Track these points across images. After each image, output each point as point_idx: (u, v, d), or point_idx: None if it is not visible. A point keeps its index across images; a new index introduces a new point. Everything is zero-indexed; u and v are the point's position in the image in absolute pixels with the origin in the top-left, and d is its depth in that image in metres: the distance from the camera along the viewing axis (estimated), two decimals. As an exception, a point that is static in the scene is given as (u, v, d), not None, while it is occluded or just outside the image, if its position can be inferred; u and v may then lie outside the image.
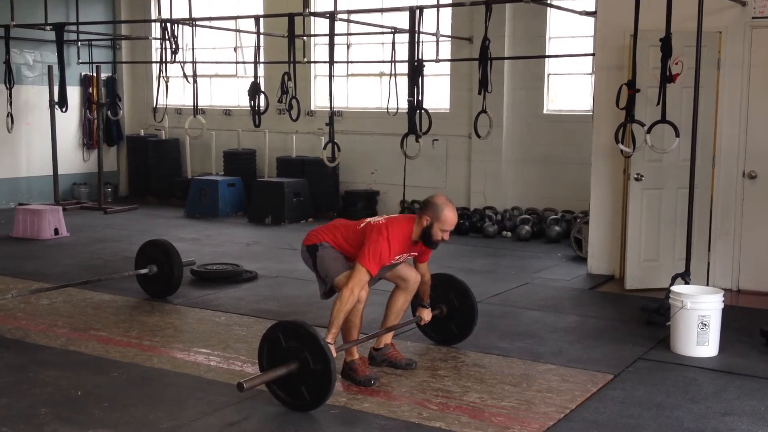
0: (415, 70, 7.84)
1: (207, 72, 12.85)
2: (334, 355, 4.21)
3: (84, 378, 4.73)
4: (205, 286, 7.10)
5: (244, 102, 11.30)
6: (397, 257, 4.68)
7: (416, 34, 7.90)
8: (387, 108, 9.40)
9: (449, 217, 4.62)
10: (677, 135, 6.00)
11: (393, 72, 9.34)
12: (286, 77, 8.58)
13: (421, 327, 5.43)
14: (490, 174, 10.79)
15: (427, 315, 5.17)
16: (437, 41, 9.68)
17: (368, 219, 4.82)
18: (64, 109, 10.21)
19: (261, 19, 8.98)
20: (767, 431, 4.09)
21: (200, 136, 9.69)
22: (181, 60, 9.37)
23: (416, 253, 4.85)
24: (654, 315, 5.92)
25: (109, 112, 12.59)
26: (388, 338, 5.01)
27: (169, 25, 9.06)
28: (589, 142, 7.84)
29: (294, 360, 4.17)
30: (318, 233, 4.83)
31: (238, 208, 11.80)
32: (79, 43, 12.68)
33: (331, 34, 8.20)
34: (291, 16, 8.43)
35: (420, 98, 7.94)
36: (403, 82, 8.93)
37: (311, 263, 4.82)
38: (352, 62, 11.81)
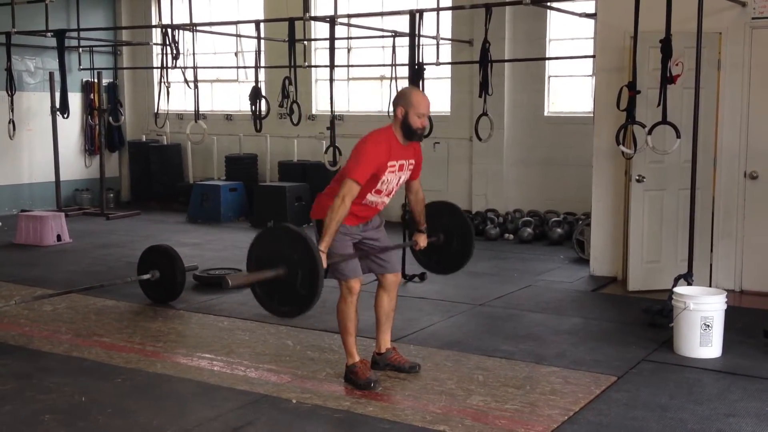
0: (416, 74, 7.85)
1: (208, 77, 12.86)
2: (325, 264, 4.18)
3: (87, 384, 4.73)
4: (208, 291, 7.10)
5: (245, 107, 11.31)
6: (392, 164, 4.53)
7: (416, 38, 7.91)
8: (388, 111, 9.42)
9: (420, 99, 4.58)
10: (678, 136, 6.00)
11: (394, 75, 9.36)
12: (287, 81, 8.59)
13: (417, 254, 5.30)
14: (491, 176, 10.79)
15: (422, 240, 5.05)
16: (437, 44, 9.70)
17: None
18: (65, 116, 10.24)
19: (261, 24, 9.00)
20: (771, 432, 4.09)
21: (202, 141, 9.69)
22: (182, 65, 9.39)
23: (413, 161, 4.70)
24: (657, 316, 5.91)
25: (110, 118, 12.63)
26: (389, 342, 5.00)
27: (169, 30, 9.09)
28: (590, 144, 7.84)
29: (279, 262, 4.13)
30: (326, 199, 4.67)
31: (240, 212, 11.80)
32: (80, 49, 12.70)
33: (332, 38, 8.21)
34: (291, 21, 8.44)
35: (421, 101, 7.93)
36: (404, 86, 8.95)
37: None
38: (352, 66, 11.83)
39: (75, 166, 13.18)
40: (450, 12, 10.46)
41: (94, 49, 12.95)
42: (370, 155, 4.45)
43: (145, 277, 6.67)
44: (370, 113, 11.68)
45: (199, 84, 9.43)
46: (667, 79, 5.97)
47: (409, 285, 7.21)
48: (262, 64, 9.26)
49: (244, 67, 12.67)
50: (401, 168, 4.65)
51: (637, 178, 6.93)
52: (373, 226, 4.82)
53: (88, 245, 9.60)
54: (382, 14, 10.25)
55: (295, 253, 4.13)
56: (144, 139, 13.63)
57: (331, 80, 8.13)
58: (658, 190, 6.98)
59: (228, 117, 13.03)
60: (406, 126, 4.57)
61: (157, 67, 11.02)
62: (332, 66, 8.12)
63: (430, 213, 5.12)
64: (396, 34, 9.44)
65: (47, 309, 6.49)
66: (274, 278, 4.15)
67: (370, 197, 4.61)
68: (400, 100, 4.61)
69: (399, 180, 4.69)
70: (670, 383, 4.75)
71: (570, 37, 10.31)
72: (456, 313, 6.39)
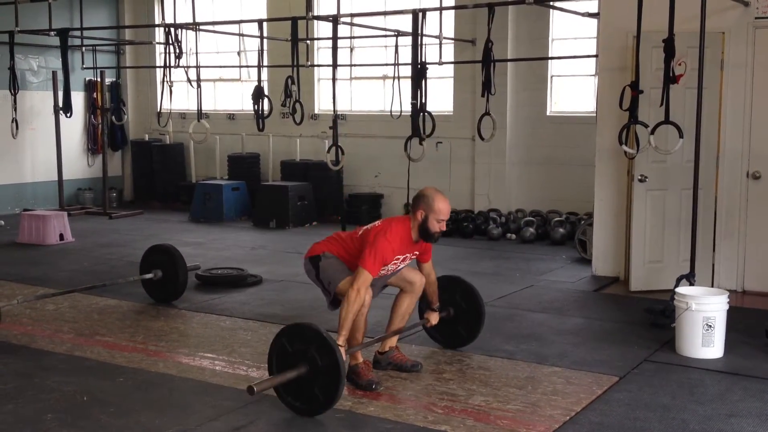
0: (419, 73, 7.85)
1: (211, 76, 12.88)
2: (345, 358, 4.21)
3: (89, 383, 4.74)
4: (210, 291, 7.11)
5: (247, 106, 11.31)
6: (397, 257, 4.67)
7: (419, 37, 7.91)
8: (390, 111, 9.43)
9: (442, 206, 4.64)
10: (681, 136, 5.99)
11: (396, 75, 9.36)
12: (289, 81, 8.59)
13: (428, 330, 5.42)
14: (493, 176, 10.79)
15: (434, 318, 5.16)
16: (440, 44, 9.70)
17: (365, 226, 4.83)
18: (68, 115, 10.24)
19: (264, 23, 8.99)
20: (773, 433, 4.09)
21: (204, 141, 9.67)
22: (184, 64, 9.38)
23: (418, 252, 4.83)
24: (659, 317, 5.91)
25: (113, 117, 12.63)
26: (393, 341, 5.01)
27: (172, 29, 9.08)
28: (592, 144, 7.84)
29: (302, 362, 4.16)
30: (319, 246, 4.87)
31: (243, 212, 11.81)
32: (83, 48, 12.71)
33: (335, 38, 8.21)
34: (294, 20, 8.44)
35: (423, 101, 7.93)
36: (407, 85, 8.94)
37: (314, 275, 4.84)
38: (355, 65, 11.83)
39: (78, 165, 13.20)
40: (453, 11, 10.45)
41: (97, 48, 12.97)
42: (386, 251, 4.55)
43: (148, 276, 6.68)
44: (372, 113, 11.68)
45: (202, 83, 9.41)
46: (669, 79, 5.96)
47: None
48: (265, 63, 9.26)
49: (247, 67, 12.69)
50: (404, 260, 4.77)
51: (639, 177, 6.93)
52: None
53: (90, 244, 9.61)
54: (384, 14, 10.26)
55: (321, 359, 4.13)
56: (147, 139, 13.64)
57: (334, 80, 8.12)
58: (661, 189, 6.98)
59: (231, 116, 13.04)
60: (424, 230, 4.67)
61: (160, 66, 11.04)
62: (335, 65, 8.12)
63: (443, 286, 5.23)
64: (399, 34, 9.43)
65: (50, 308, 6.50)
66: (297, 377, 4.17)
67: (378, 273, 4.65)
68: (422, 203, 4.65)
69: (398, 267, 4.79)
70: (672, 383, 4.75)
71: (573, 37, 10.30)
72: (458, 312, 6.38)
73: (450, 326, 5.37)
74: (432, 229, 4.64)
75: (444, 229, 4.70)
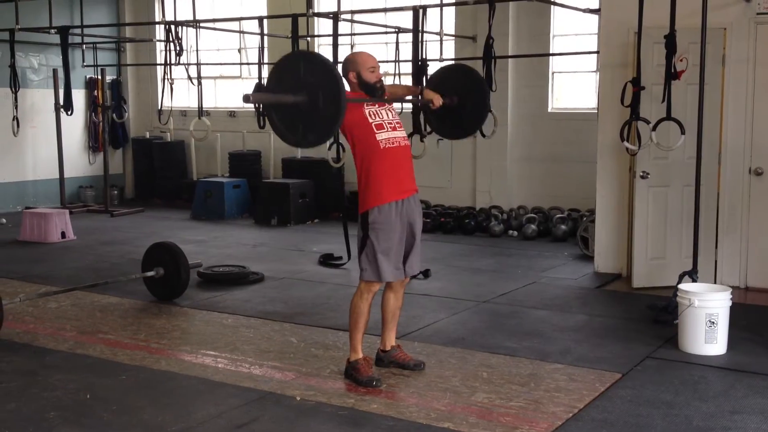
0: (419, 70, 7.84)
1: (211, 74, 12.87)
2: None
3: (92, 381, 4.74)
4: (212, 288, 7.11)
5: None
6: (367, 106, 4.59)
7: (420, 34, 7.90)
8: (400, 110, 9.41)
9: (363, 57, 4.75)
10: (683, 132, 5.98)
11: (397, 72, 9.35)
12: (290, 78, 8.57)
13: (431, 117, 5.26)
14: (495, 173, 10.78)
15: (436, 96, 5.02)
16: (441, 40, 9.68)
17: None
18: (69, 112, 10.24)
19: (264, 21, 8.99)
20: (776, 429, 4.09)
21: (205, 138, 9.70)
22: (185, 62, 9.39)
23: (391, 111, 4.74)
24: (661, 313, 5.91)
25: (114, 115, 12.65)
26: (393, 339, 5.00)
27: (173, 27, 9.08)
28: (594, 140, 7.83)
29: (304, 92, 4.09)
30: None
31: (244, 209, 11.81)
32: (84, 46, 12.71)
33: (335, 35, 8.20)
34: (294, 17, 8.43)
35: (424, 98, 7.92)
36: (407, 82, 8.94)
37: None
38: (356, 62, 11.80)
39: (79, 163, 13.19)
40: (453, 8, 10.44)
41: (98, 45, 12.97)
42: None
43: (150, 274, 6.68)
44: (373, 110, 11.65)
45: (203, 81, 9.43)
46: (671, 75, 5.96)
47: (413, 282, 7.17)
48: (266, 60, 9.26)
49: (248, 64, 12.67)
50: (380, 105, 4.70)
51: (641, 174, 6.92)
52: (415, 204, 4.77)
53: (92, 242, 9.62)
54: (385, 10, 10.24)
55: (312, 76, 4.09)
56: (148, 136, 13.64)
57: (335, 77, 8.10)
58: (663, 186, 6.97)
59: (231, 114, 13.03)
60: (364, 84, 4.66)
61: (160, 64, 11.05)
62: (335, 62, 8.10)
63: (441, 76, 5.12)
64: (399, 30, 9.42)
65: (52, 306, 6.50)
66: (294, 104, 4.10)
67: (380, 135, 4.59)
68: (347, 67, 4.73)
69: (390, 114, 4.71)
70: (674, 380, 4.75)
71: (574, 33, 10.29)
72: (460, 310, 6.39)
73: (459, 110, 5.18)
74: (369, 80, 4.65)
75: (379, 77, 4.69)
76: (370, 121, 4.59)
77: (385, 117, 4.67)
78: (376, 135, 4.57)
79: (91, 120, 13.29)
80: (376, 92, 4.67)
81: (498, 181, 10.77)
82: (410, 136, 7.96)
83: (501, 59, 8.75)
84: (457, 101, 5.20)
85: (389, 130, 4.64)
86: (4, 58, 10.92)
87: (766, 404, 4.38)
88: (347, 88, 4.50)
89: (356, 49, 11.71)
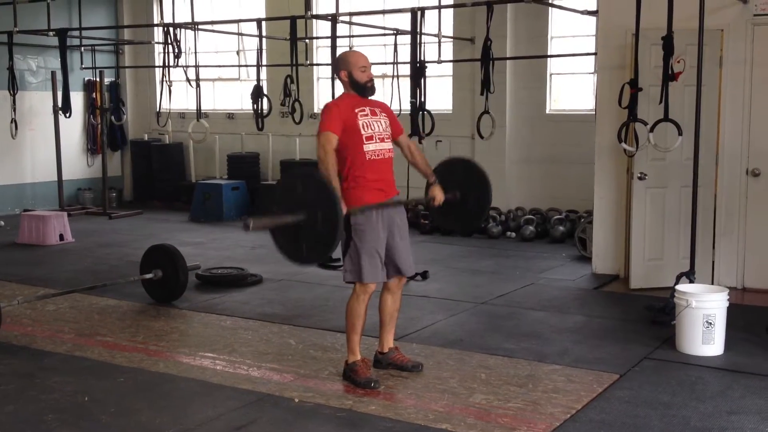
0: (418, 72, 7.87)
1: (210, 76, 12.86)
2: (344, 210, 4.25)
3: (90, 383, 4.74)
4: (211, 290, 7.11)
5: (247, 105, 11.30)
6: (358, 110, 4.64)
7: (418, 36, 7.92)
8: (401, 108, 9.42)
9: (356, 57, 4.82)
10: (680, 133, 5.99)
11: (395, 73, 9.36)
12: (288, 80, 8.60)
13: (434, 212, 5.27)
14: (493, 174, 10.56)
15: (439, 193, 5.05)
16: (439, 42, 9.69)
17: None
18: (67, 115, 10.25)
19: (263, 23, 9.00)
20: (774, 430, 4.09)
21: (204, 140, 9.70)
22: (183, 64, 9.39)
23: (383, 113, 4.79)
24: (659, 314, 5.92)
25: (112, 117, 12.65)
26: (391, 341, 5.00)
27: (171, 29, 9.09)
28: (592, 142, 7.83)
29: (304, 212, 4.15)
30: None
31: (242, 211, 11.79)
32: (82, 48, 12.71)
33: (333, 37, 8.22)
34: (293, 19, 8.45)
35: (422, 99, 7.95)
36: (406, 84, 8.95)
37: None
38: (354, 64, 11.80)
39: (77, 165, 13.19)
40: (451, 10, 10.45)
41: (96, 48, 12.96)
42: (332, 111, 4.62)
43: (148, 276, 6.68)
44: (371, 111, 11.65)
45: (201, 83, 9.44)
46: (668, 77, 5.96)
47: (411, 284, 7.20)
48: (264, 62, 9.27)
49: (246, 66, 12.68)
50: (373, 113, 4.73)
51: (639, 175, 6.93)
52: (396, 205, 4.82)
53: (90, 244, 9.61)
54: (383, 12, 10.26)
55: (309, 193, 4.15)
56: (146, 138, 13.63)
57: (333, 79, 8.12)
58: (660, 187, 6.98)
59: (230, 116, 13.04)
60: (355, 84, 4.72)
61: (159, 66, 11.03)
62: (334, 64, 8.12)
63: (444, 170, 5.16)
64: (398, 32, 9.43)
65: (50, 308, 6.50)
66: (293, 223, 4.15)
67: (367, 147, 4.63)
68: (339, 66, 4.81)
69: (381, 125, 4.73)
70: (672, 381, 4.75)
71: (571, 35, 10.30)
72: (458, 311, 6.39)
73: (461, 206, 5.22)
74: (360, 80, 4.70)
75: (371, 76, 4.76)
76: (362, 133, 4.63)
77: (376, 129, 4.71)
78: (364, 146, 4.62)
79: (90, 122, 13.29)
80: (366, 91, 4.75)
81: (496, 182, 10.58)
82: (409, 137, 8.01)
83: (499, 61, 8.77)
84: (459, 197, 5.23)
85: (377, 141, 4.69)
86: (3, 60, 10.93)
87: (764, 405, 4.38)
88: (339, 87, 4.57)
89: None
